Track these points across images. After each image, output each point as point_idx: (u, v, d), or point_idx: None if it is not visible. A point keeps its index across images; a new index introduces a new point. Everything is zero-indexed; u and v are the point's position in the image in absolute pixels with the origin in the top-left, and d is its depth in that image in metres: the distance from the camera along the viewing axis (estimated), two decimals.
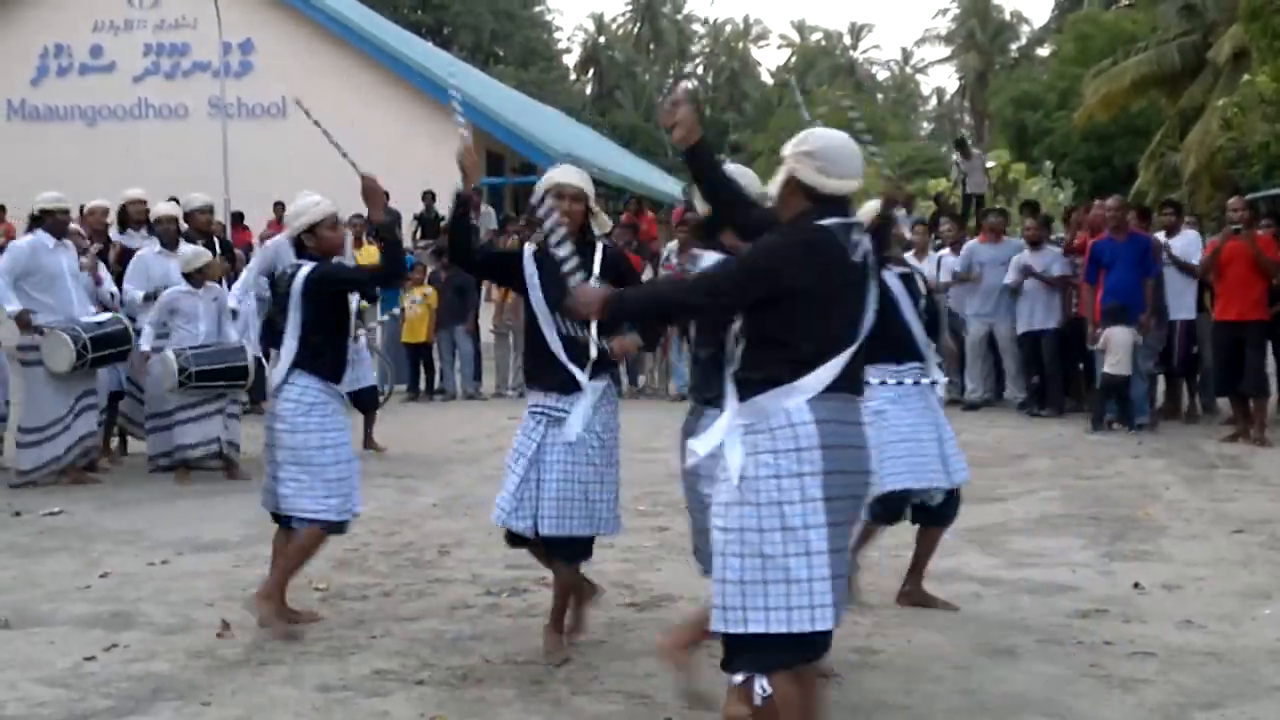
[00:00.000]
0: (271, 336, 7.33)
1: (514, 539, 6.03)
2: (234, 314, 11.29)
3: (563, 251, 4.77)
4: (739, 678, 4.18)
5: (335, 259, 6.73)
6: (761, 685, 4.12)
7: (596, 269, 5.74)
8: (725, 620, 4.09)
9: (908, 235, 6.87)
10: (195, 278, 10.69)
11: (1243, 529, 8.58)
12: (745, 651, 4.12)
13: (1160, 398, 14.12)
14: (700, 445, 4.32)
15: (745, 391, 4.16)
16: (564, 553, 5.93)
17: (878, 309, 4.55)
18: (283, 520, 6.63)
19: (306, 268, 6.55)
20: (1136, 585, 7.18)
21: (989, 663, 5.86)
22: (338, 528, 6.59)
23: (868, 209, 6.36)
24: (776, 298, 4.10)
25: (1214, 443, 12.21)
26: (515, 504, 5.83)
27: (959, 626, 6.40)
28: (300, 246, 6.65)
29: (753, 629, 4.06)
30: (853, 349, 4.17)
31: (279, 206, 18.59)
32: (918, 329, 6.51)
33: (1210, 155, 28.65)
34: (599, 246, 5.93)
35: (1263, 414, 12.40)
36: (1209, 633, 6.31)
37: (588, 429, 5.80)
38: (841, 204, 4.25)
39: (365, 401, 12.22)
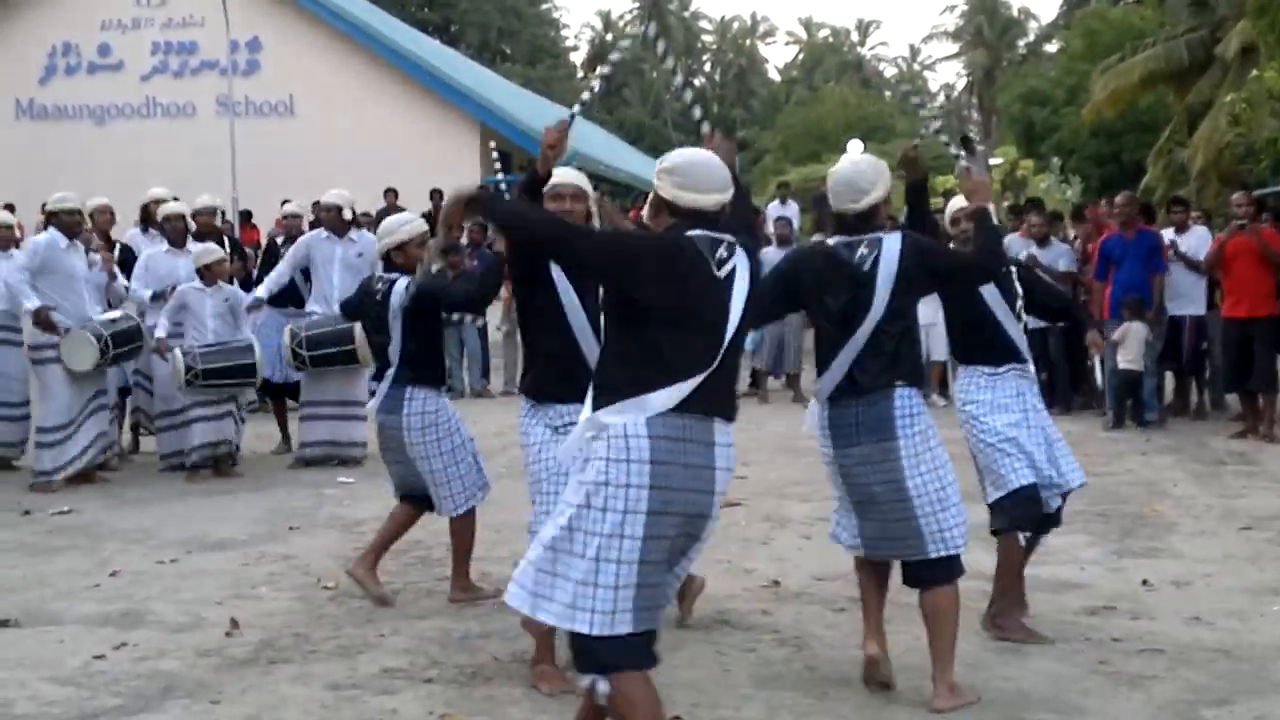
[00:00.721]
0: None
1: None
2: (260, 304, 11.38)
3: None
4: (584, 682, 4.21)
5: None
6: (599, 685, 4.14)
7: None
8: (534, 607, 4.17)
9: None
10: (206, 275, 10.70)
11: (1251, 525, 8.58)
12: (584, 653, 4.16)
13: (1169, 394, 14.10)
14: (562, 453, 4.43)
15: (598, 402, 4.21)
16: None
17: (971, 310, 4.79)
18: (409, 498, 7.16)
19: (403, 283, 6.95)
20: (1145, 582, 7.18)
21: (996, 660, 5.86)
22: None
23: (954, 204, 6.38)
24: (631, 308, 4.19)
25: (1222, 439, 12.20)
26: None
27: (967, 624, 6.37)
28: (389, 262, 7.16)
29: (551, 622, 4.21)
30: (710, 370, 4.17)
31: (315, 205, 18.52)
32: (1013, 329, 6.23)
33: (1218, 151, 28.59)
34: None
35: (1272, 410, 12.37)
36: (1218, 629, 6.31)
37: None
38: (708, 218, 4.31)
39: None
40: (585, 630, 4.07)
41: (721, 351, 4.20)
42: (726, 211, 4.37)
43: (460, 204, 4.82)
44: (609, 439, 4.12)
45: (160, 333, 10.67)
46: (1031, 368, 6.36)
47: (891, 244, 5.28)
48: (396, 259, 7.12)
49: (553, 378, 5.57)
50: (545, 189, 5.64)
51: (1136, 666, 5.76)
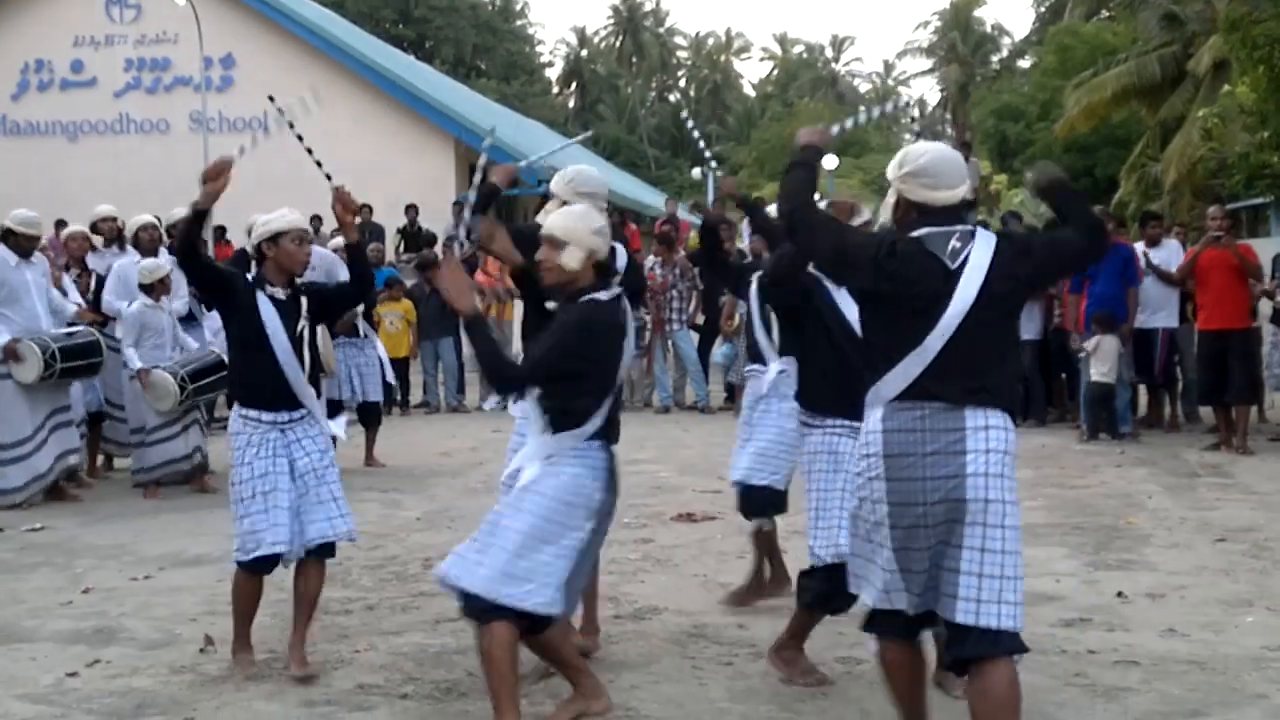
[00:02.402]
0: None
1: None
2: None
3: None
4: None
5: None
6: (871, 644, 4.62)
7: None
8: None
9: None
10: (154, 291, 10.66)
11: (1225, 537, 8.61)
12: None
13: (1142, 407, 14.16)
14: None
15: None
16: None
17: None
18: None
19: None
20: (1120, 594, 7.20)
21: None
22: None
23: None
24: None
25: (1196, 451, 12.25)
26: None
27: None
28: (261, 257, 6.29)
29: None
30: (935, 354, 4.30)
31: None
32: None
33: (1191, 166, 28.76)
34: (617, 252, 5.83)
35: (1245, 423, 12.43)
36: (1192, 641, 6.33)
37: None
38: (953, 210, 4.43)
39: (368, 417, 12.20)
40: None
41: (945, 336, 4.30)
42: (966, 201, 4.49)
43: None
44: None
45: (135, 364, 10.58)
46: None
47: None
48: (268, 252, 6.22)
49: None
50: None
51: (1112, 678, 5.77)
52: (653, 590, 7.34)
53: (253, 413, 5.98)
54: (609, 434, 5.08)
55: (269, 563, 5.98)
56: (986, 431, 4.26)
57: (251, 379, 6.03)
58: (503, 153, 27.81)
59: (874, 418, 4.36)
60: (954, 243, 4.33)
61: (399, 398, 16.92)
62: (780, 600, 7.13)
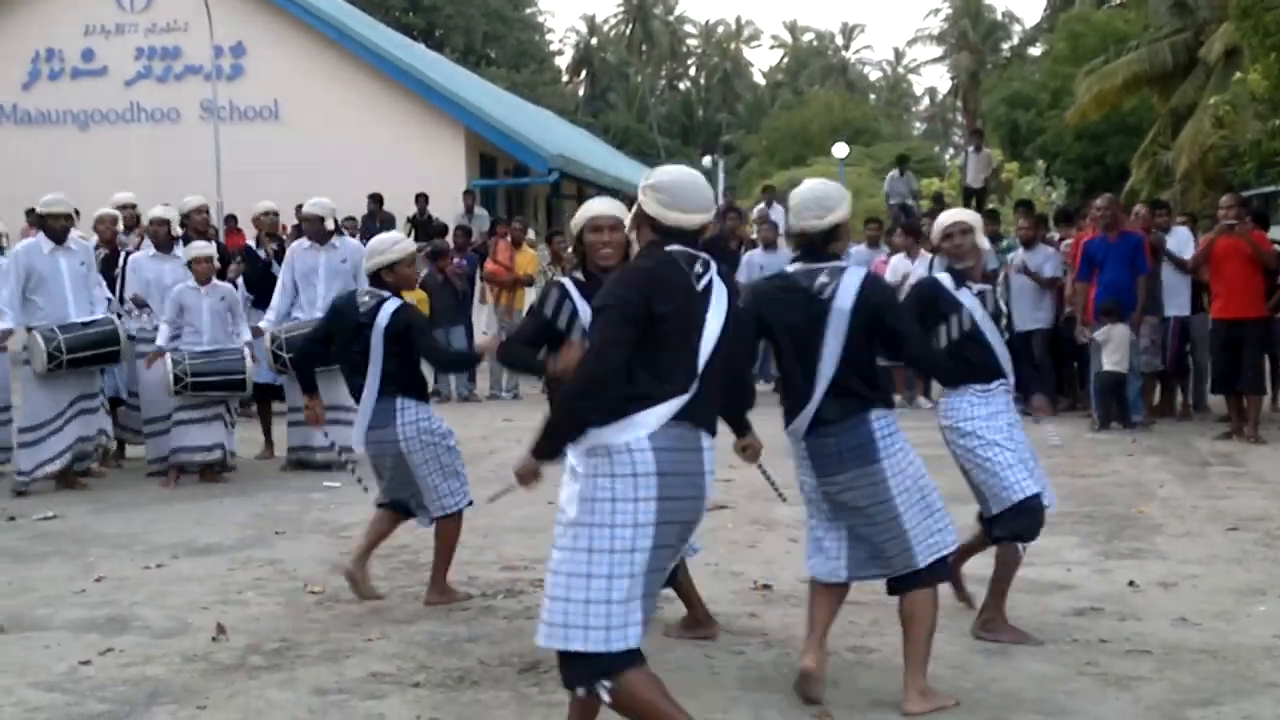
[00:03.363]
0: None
1: None
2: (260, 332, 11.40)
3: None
4: (581, 692, 4.29)
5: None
6: (603, 687, 4.23)
7: None
8: (549, 637, 4.27)
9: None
10: (197, 273, 10.69)
11: (1237, 526, 8.60)
12: (574, 667, 4.27)
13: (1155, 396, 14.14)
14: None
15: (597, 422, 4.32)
16: None
17: (963, 332, 4.89)
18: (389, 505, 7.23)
19: (391, 306, 7.06)
20: (1132, 583, 7.19)
21: (984, 661, 5.87)
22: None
23: (945, 217, 6.39)
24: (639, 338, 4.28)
25: (1208, 440, 12.23)
26: None
27: (954, 625, 6.40)
28: (379, 280, 7.19)
29: (573, 647, 4.23)
30: (697, 385, 4.30)
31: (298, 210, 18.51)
32: (1000, 347, 6.23)
33: (1202, 154, 28.67)
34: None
35: (1257, 412, 12.41)
36: (1204, 630, 6.33)
37: None
38: (689, 235, 4.44)
39: None
40: (599, 649, 4.20)
41: (703, 363, 4.32)
42: (706, 231, 4.55)
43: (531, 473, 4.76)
44: (611, 455, 4.22)
45: (161, 340, 10.65)
46: (1013, 381, 6.34)
47: (852, 278, 5.23)
48: (386, 278, 7.17)
49: None
50: (584, 223, 5.77)
51: (1123, 667, 5.77)
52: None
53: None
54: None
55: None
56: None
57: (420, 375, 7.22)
58: (510, 141, 27.86)
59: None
60: (697, 267, 4.40)
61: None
62: (792, 589, 7.13)
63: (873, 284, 5.30)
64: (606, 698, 4.24)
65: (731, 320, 4.42)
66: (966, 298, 6.15)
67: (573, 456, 4.33)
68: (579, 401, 4.29)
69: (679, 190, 4.45)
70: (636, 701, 4.25)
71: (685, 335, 4.31)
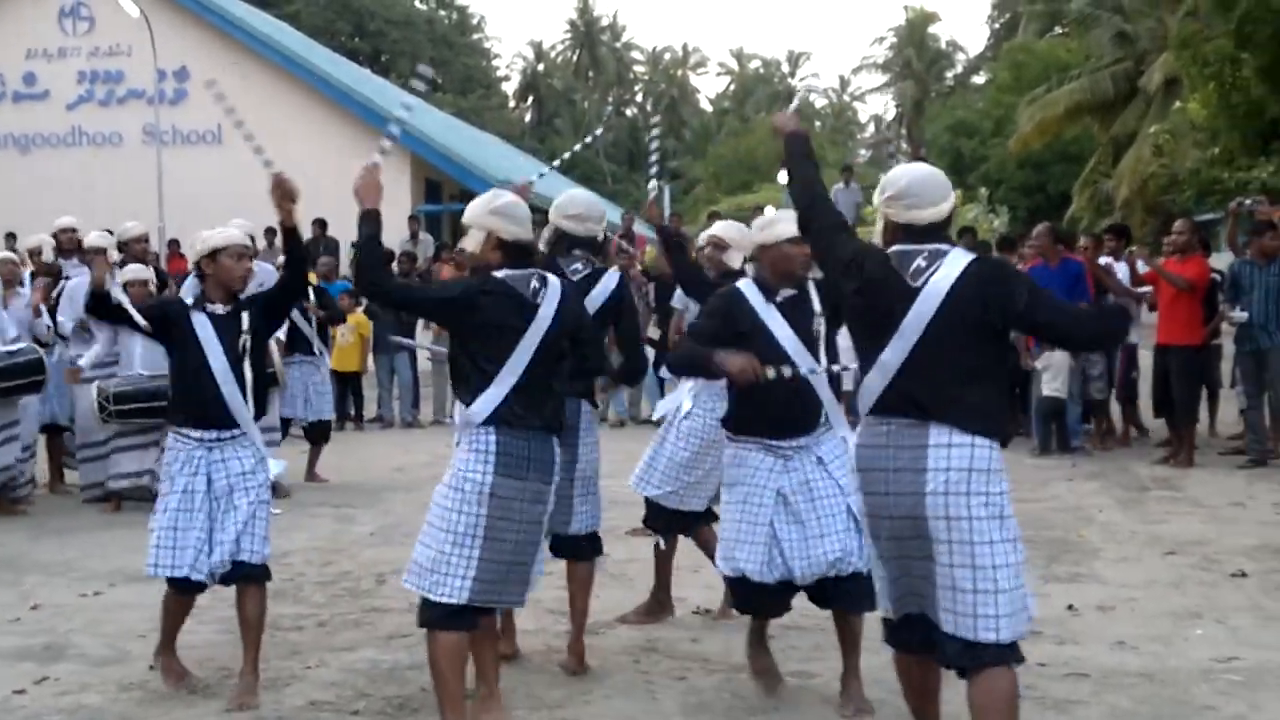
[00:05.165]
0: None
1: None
2: None
3: None
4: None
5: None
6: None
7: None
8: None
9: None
10: (131, 296, 10.55)
11: (1174, 551, 8.67)
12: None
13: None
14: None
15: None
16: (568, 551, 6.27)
17: None
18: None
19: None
20: (1070, 607, 7.24)
21: None
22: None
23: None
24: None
25: (1146, 465, 12.32)
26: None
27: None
28: (201, 275, 6.32)
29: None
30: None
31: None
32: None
33: (1143, 182, 29.02)
34: (604, 278, 6.06)
35: (1191, 438, 12.51)
36: (1142, 654, 6.37)
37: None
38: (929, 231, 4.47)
39: (317, 433, 12.15)
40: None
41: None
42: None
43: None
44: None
45: (85, 360, 10.56)
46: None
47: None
48: (207, 270, 6.23)
49: None
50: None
51: (1062, 691, 5.80)
52: (606, 604, 7.32)
53: (184, 430, 5.98)
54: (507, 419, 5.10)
55: (183, 584, 5.98)
56: (949, 449, 4.28)
57: (188, 397, 6.02)
58: (457, 167, 27.83)
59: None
60: (919, 261, 4.36)
61: (352, 412, 16.85)
62: (733, 615, 7.13)
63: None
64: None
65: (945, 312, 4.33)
66: None
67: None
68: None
69: (919, 190, 4.52)
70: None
71: (882, 327, 4.38)
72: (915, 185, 4.48)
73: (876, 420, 4.39)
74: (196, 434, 5.93)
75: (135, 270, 10.86)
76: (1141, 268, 13.04)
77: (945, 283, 4.31)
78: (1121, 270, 13.58)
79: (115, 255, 11.55)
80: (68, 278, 11.89)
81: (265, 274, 11.16)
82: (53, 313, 11.57)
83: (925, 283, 4.33)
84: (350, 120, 27.43)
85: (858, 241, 4.70)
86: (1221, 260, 14.47)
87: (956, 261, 4.35)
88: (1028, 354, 13.30)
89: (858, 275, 4.45)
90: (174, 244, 22.20)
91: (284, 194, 6.18)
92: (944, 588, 4.29)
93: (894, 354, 4.33)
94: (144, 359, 10.50)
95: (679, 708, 5.65)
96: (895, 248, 4.41)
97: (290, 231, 6.26)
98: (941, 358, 4.29)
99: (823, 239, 4.71)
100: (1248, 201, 12.79)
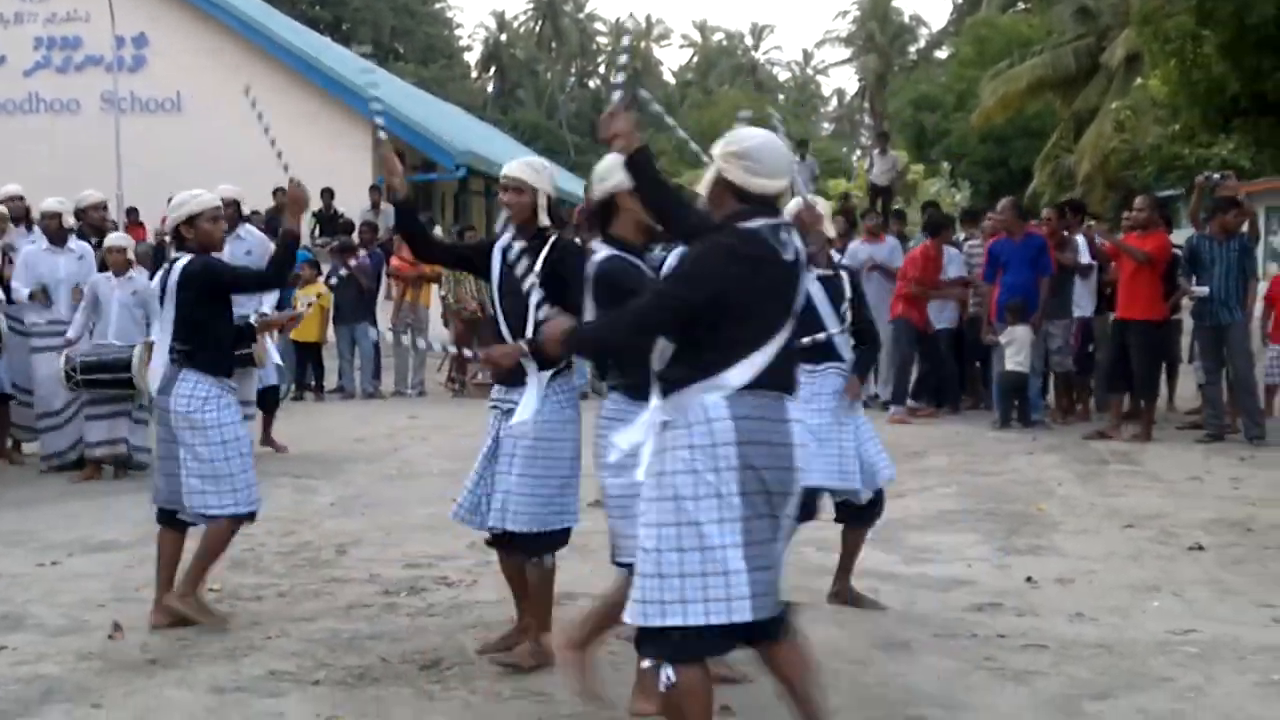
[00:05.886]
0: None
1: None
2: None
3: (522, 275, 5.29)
4: (647, 663, 4.20)
5: (215, 254, 6.76)
6: (667, 674, 4.12)
7: (538, 266, 5.54)
8: (645, 614, 4.11)
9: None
10: (112, 264, 10.53)
11: (1133, 524, 8.73)
12: (658, 639, 4.13)
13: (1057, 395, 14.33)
14: (623, 439, 4.37)
15: (667, 388, 4.21)
16: (523, 547, 5.82)
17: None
18: (168, 517, 6.57)
19: (183, 260, 6.56)
20: (1030, 579, 7.28)
21: (885, 657, 5.92)
22: (247, 518, 6.58)
23: (790, 208, 6.42)
24: (711, 306, 4.13)
25: (1105, 439, 12.39)
26: (472, 501, 5.79)
27: (856, 622, 6.46)
28: (180, 239, 6.66)
29: (671, 621, 4.07)
30: (776, 346, 4.20)
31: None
32: (834, 329, 6.45)
33: (1104, 157, 29.18)
34: (549, 242, 5.76)
35: (1151, 412, 12.60)
36: (1100, 625, 6.42)
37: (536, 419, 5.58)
38: (770, 203, 4.31)
39: (265, 400, 12.08)
40: (713, 621, 4.05)
41: (785, 331, 4.24)
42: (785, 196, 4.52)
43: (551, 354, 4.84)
44: (690, 426, 4.13)
45: (72, 331, 10.49)
46: (848, 366, 6.59)
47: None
48: (186, 235, 6.57)
49: None
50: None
51: (1021, 662, 5.84)
52: (570, 577, 7.28)
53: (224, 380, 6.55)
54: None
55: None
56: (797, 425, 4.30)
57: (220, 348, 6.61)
58: (419, 137, 27.68)
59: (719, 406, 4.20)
60: (783, 234, 4.29)
61: (313, 383, 16.78)
62: None
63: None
64: (663, 686, 4.14)
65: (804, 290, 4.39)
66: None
67: (647, 431, 4.25)
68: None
69: (767, 155, 4.28)
70: (687, 705, 4.14)
71: (765, 305, 4.20)
72: (764, 150, 4.30)
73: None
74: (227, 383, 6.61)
75: (116, 238, 10.82)
76: (1100, 241, 13.12)
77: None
78: (1080, 245, 13.65)
79: (70, 221, 11.46)
80: (14, 248, 11.75)
81: (256, 243, 11.14)
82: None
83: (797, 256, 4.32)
84: (311, 89, 27.21)
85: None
86: (1183, 236, 14.54)
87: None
88: (989, 328, 13.37)
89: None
90: (132, 212, 22.01)
91: (296, 203, 6.42)
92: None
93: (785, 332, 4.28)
94: (118, 328, 10.44)
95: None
96: (761, 221, 4.27)
97: (294, 238, 6.71)
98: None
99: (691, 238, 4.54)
100: (1216, 176, 12.83)
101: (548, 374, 5.60)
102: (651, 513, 4.17)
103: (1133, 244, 12.43)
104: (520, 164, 5.96)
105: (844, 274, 6.67)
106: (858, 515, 6.75)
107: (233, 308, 6.83)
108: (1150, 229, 12.50)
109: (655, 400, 4.26)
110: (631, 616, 4.16)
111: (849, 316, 6.55)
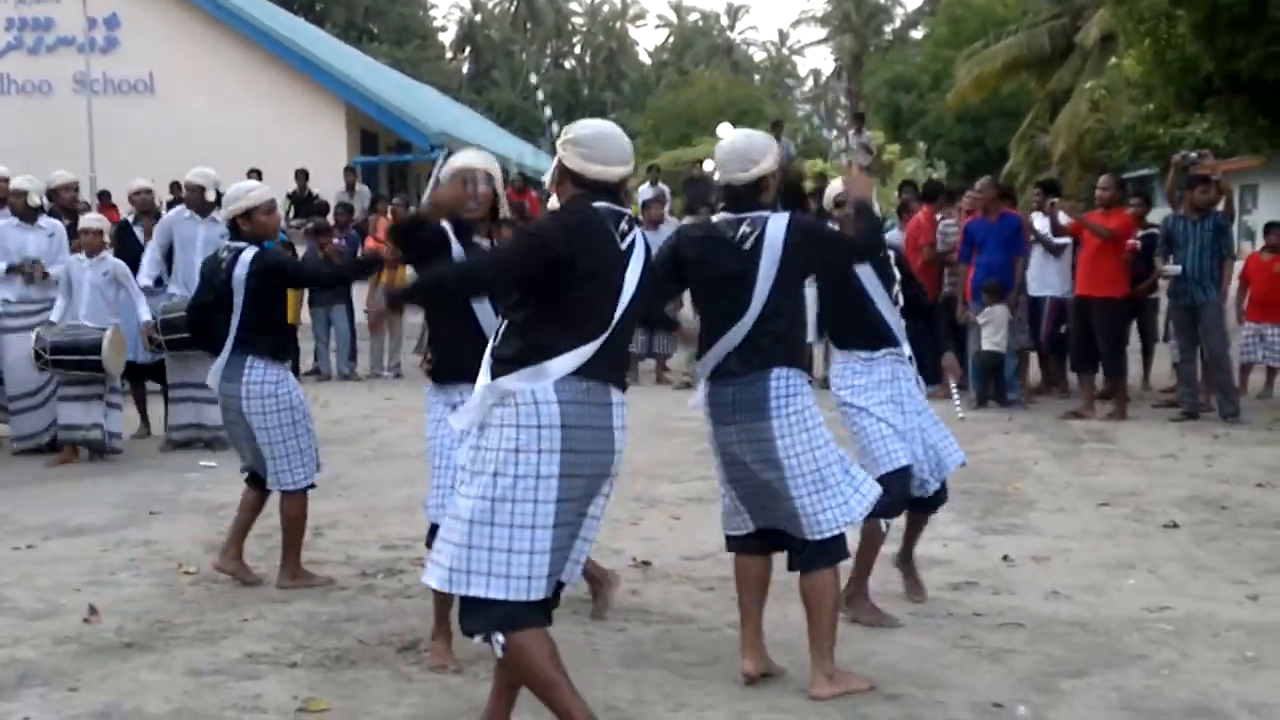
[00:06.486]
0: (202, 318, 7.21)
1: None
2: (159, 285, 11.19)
3: None
4: (476, 640, 4.38)
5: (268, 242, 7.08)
6: (497, 639, 4.29)
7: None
8: (450, 581, 4.32)
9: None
10: (85, 245, 10.49)
11: (1108, 502, 8.77)
12: (480, 613, 4.30)
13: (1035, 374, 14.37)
14: (458, 421, 4.47)
15: (498, 368, 4.35)
16: None
17: (848, 294, 5.49)
18: (254, 477, 7.04)
19: (249, 252, 6.81)
20: (1006, 558, 7.31)
21: (863, 636, 5.93)
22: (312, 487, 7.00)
23: (834, 187, 6.43)
24: (548, 277, 4.30)
25: (1082, 419, 12.42)
26: (438, 498, 5.69)
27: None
28: (236, 230, 6.96)
29: (473, 592, 4.28)
30: (607, 333, 4.35)
31: (175, 187, 18.24)
32: (890, 315, 6.26)
33: (1079, 137, 29.23)
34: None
35: (1124, 390, 12.63)
36: (1075, 603, 6.45)
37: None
38: (611, 190, 4.49)
39: None
40: (512, 597, 4.24)
41: (617, 320, 4.37)
42: (626, 185, 4.60)
43: (392, 305, 4.89)
44: (517, 405, 4.26)
45: (54, 314, 10.46)
46: (907, 350, 6.36)
47: (777, 223, 5.11)
48: (243, 227, 6.94)
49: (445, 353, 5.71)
50: (452, 173, 5.68)
51: (997, 640, 5.86)
52: None
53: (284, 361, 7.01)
54: None
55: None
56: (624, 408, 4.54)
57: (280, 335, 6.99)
58: (392, 118, 27.59)
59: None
60: (623, 224, 4.46)
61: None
62: (674, 566, 7.17)
63: (798, 224, 5.17)
64: (499, 651, 4.30)
65: (646, 278, 4.49)
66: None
67: (477, 412, 4.34)
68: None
69: (600, 143, 4.48)
70: (526, 660, 4.29)
71: (600, 291, 4.35)
72: (600, 138, 4.53)
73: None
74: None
75: (90, 219, 10.78)
76: (1064, 219, 13.14)
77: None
78: (1042, 223, 13.66)
79: (38, 199, 11.37)
80: None
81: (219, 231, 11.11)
82: None
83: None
84: (285, 70, 27.15)
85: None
86: (1160, 215, 14.59)
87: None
88: (966, 308, 13.38)
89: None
90: (104, 195, 21.89)
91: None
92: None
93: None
94: (89, 309, 10.40)
95: (619, 659, 5.66)
96: (601, 205, 4.44)
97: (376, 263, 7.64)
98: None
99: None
100: (1193, 155, 12.86)
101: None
102: (470, 484, 4.33)
103: (1096, 222, 12.47)
104: (480, 154, 5.95)
105: (891, 254, 6.45)
106: (922, 502, 6.45)
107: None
108: (1113, 208, 12.55)
109: (485, 379, 4.37)
110: (436, 580, 4.35)
111: (900, 299, 6.36)
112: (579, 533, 4.49)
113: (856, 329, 6.23)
